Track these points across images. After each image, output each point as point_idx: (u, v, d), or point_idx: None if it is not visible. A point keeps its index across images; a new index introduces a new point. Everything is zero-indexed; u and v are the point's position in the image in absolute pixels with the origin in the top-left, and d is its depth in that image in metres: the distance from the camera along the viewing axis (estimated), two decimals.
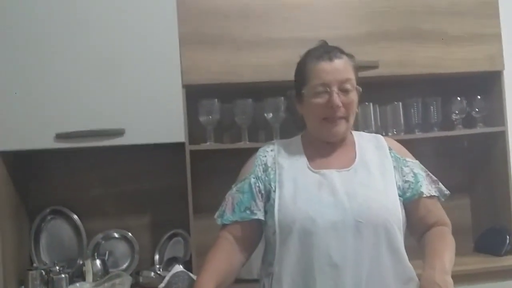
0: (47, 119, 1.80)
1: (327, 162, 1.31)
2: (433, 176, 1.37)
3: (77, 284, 0.87)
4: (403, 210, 1.28)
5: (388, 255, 1.21)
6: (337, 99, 1.25)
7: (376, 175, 1.28)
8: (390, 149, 1.35)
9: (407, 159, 1.34)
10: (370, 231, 1.19)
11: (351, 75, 1.29)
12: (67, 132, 1.80)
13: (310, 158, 1.32)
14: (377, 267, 1.20)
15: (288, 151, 1.36)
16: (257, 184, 1.31)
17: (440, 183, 1.37)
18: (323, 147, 1.34)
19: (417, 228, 1.33)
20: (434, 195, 1.33)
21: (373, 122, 2.07)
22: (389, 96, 2.14)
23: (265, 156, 1.36)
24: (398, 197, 1.27)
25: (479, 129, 2.11)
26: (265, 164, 1.33)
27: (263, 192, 1.30)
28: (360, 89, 1.35)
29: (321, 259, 1.19)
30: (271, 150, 1.37)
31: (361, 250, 1.19)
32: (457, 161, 2.32)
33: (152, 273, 1.83)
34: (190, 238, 1.89)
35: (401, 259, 1.24)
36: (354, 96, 1.29)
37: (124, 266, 1.98)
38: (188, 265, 1.85)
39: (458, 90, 2.16)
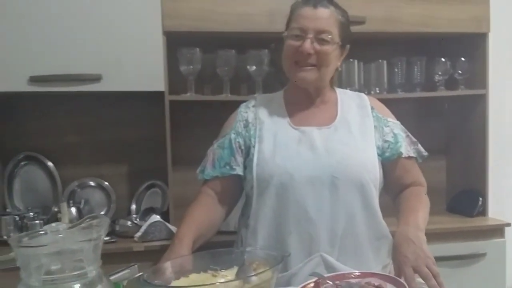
0: (21, 60, 1.73)
1: (308, 119, 1.31)
2: (413, 137, 1.38)
3: (53, 224, 0.85)
4: (381, 169, 1.29)
5: (363, 211, 1.23)
6: (309, 45, 1.22)
7: (356, 133, 1.28)
8: (372, 108, 1.34)
9: (389, 119, 1.35)
10: (346, 187, 1.21)
11: (333, 28, 1.25)
12: (41, 75, 1.73)
13: (291, 115, 1.32)
14: (352, 223, 1.22)
15: (269, 106, 1.35)
16: (237, 140, 1.31)
17: (419, 145, 1.38)
18: (305, 103, 1.33)
19: (393, 188, 1.35)
20: (412, 156, 1.35)
21: (356, 80, 2.05)
22: (374, 54, 2.12)
23: (246, 112, 1.35)
24: (376, 156, 1.28)
25: (461, 91, 2.12)
26: (246, 120, 1.33)
27: (243, 147, 1.30)
28: (348, 47, 1.33)
29: (297, 213, 1.20)
30: (253, 106, 1.36)
31: (337, 205, 1.20)
32: (437, 122, 2.34)
33: (129, 222, 1.83)
34: (168, 189, 1.88)
35: (375, 216, 1.26)
36: (330, 49, 1.25)
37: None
38: (165, 216, 1.85)
39: (443, 51, 2.14)
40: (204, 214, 1.28)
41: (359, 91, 1.95)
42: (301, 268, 1.19)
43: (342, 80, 2.03)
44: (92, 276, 0.79)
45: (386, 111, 1.38)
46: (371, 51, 2.11)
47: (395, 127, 1.33)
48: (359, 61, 2.06)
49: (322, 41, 1.24)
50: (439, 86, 2.12)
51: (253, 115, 1.33)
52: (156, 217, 1.77)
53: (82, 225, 0.81)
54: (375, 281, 0.99)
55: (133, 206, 2.01)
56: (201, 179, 1.36)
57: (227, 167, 1.30)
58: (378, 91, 2.08)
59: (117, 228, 1.82)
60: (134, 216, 1.91)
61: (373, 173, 1.25)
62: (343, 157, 1.22)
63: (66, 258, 0.77)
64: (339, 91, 1.40)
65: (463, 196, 2.20)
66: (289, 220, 1.21)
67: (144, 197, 2.03)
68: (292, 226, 1.21)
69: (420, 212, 1.24)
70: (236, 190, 1.34)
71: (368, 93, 2.00)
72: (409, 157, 1.34)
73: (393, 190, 1.36)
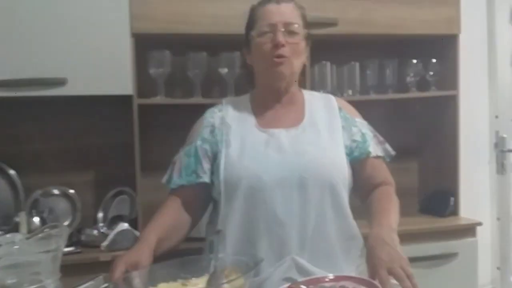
0: None
1: (276, 121, 1.30)
2: (380, 137, 1.38)
3: (8, 235, 0.80)
4: (350, 169, 1.28)
5: (333, 212, 1.22)
6: (281, 37, 1.24)
7: (324, 134, 1.28)
8: (340, 109, 1.35)
9: (356, 119, 1.35)
10: (315, 188, 1.20)
11: (298, 20, 1.29)
12: (2, 79, 1.66)
13: (259, 117, 1.31)
14: (322, 224, 1.21)
15: (236, 110, 1.33)
16: (203, 147, 1.29)
17: (386, 144, 1.38)
18: (272, 104, 1.32)
19: (363, 188, 1.34)
20: (380, 156, 1.35)
21: (329, 82, 2.05)
22: (347, 56, 2.12)
23: (213, 117, 1.34)
24: (345, 156, 1.27)
25: (432, 92, 2.14)
26: (212, 125, 1.31)
27: (209, 154, 1.29)
28: (309, 43, 1.34)
29: (266, 216, 1.18)
30: (219, 111, 1.35)
31: (306, 206, 1.19)
32: (409, 124, 2.36)
33: (95, 231, 1.77)
34: (137, 196, 1.83)
35: (345, 216, 1.25)
36: (300, 41, 1.28)
37: (65, 224, 1.89)
38: (133, 224, 1.80)
39: (415, 53, 2.16)
40: (170, 217, 1.25)
41: (332, 93, 1.95)
42: (273, 272, 1.17)
43: (315, 83, 2.02)
44: None
45: (354, 111, 1.39)
46: (343, 53, 2.12)
47: (363, 127, 1.34)
48: (332, 63, 2.06)
49: (291, 33, 1.25)
50: (411, 88, 2.14)
51: (220, 120, 1.32)
52: (124, 225, 1.72)
53: (40, 235, 0.77)
54: (349, 285, 0.97)
55: (100, 214, 1.95)
56: (168, 189, 1.32)
57: (194, 175, 1.28)
58: (351, 93, 2.07)
59: (83, 237, 1.76)
60: (101, 224, 1.85)
61: (342, 173, 1.25)
62: (311, 158, 1.22)
63: (22, 271, 0.73)
64: (306, 92, 1.40)
65: (435, 197, 2.22)
66: (259, 224, 1.19)
67: (112, 205, 1.96)
68: (261, 230, 1.18)
69: (392, 213, 1.23)
70: (204, 198, 1.32)
71: (341, 95, 2.01)
72: (378, 157, 1.34)
73: (363, 190, 1.35)
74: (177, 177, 1.29)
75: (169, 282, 0.99)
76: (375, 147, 1.33)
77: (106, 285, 0.92)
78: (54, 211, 1.88)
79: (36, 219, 1.70)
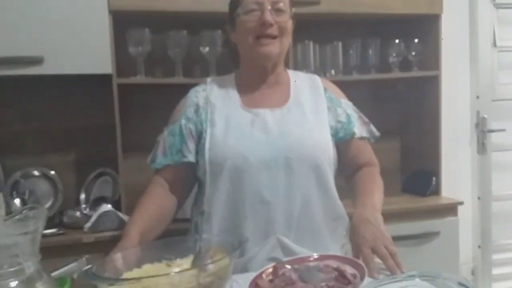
0: None
1: (261, 100, 1.29)
2: (365, 118, 1.39)
3: None
4: (335, 150, 1.29)
5: (319, 192, 1.23)
6: (269, 15, 1.22)
7: (309, 114, 1.27)
8: (325, 89, 1.34)
9: (341, 100, 1.35)
10: (301, 168, 1.20)
11: None
12: None
13: (244, 97, 1.29)
14: (308, 204, 1.21)
15: (221, 89, 1.32)
16: (188, 126, 1.27)
17: (371, 125, 1.39)
18: (258, 84, 1.31)
19: (347, 168, 1.35)
20: (365, 136, 1.35)
21: (312, 62, 2.03)
22: (329, 36, 2.10)
23: (197, 96, 1.32)
24: (330, 136, 1.27)
25: (414, 73, 2.14)
26: (197, 105, 1.30)
27: (193, 133, 1.27)
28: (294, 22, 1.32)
29: (252, 196, 1.18)
30: (203, 90, 1.33)
31: (292, 187, 1.19)
32: (392, 104, 2.36)
33: (78, 213, 1.75)
34: (119, 177, 1.81)
35: (331, 197, 1.26)
36: (287, 19, 1.26)
37: (47, 206, 1.87)
38: (116, 205, 1.78)
39: (397, 33, 2.15)
40: (154, 205, 1.23)
41: (315, 73, 1.93)
42: (258, 252, 1.17)
43: (297, 62, 2.01)
44: (30, 272, 0.73)
45: (339, 92, 1.38)
46: (326, 33, 2.10)
47: (347, 108, 1.34)
48: (315, 42, 2.04)
49: (278, 12, 1.23)
50: (393, 68, 2.13)
51: (204, 99, 1.30)
52: (107, 207, 1.70)
53: (17, 217, 0.74)
54: (334, 263, 0.97)
55: (82, 196, 1.92)
56: (153, 169, 1.31)
57: (179, 154, 1.26)
58: (333, 73, 2.06)
59: (65, 219, 1.73)
60: (84, 206, 1.83)
61: (327, 153, 1.25)
62: (297, 138, 1.21)
63: (0, 253, 0.71)
64: (291, 72, 1.39)
65: (417, 176, 2.24)
66: (244, 204, 1.18)
67: (94, 186, 1.94)
68: (247, 210, 1.18)
69: (376, 193, 1.25)
70: (189, 178, 1.31)
71: (324, 75, 2.00)
72: (362, 138, 1.35)
73: (347, 171, 1.36)
74: (162, 156, 1.28)
75: (154, 263, 0.98)
76: (360, 128, 1.33)
77: (89, 266, 0.91)
78: (34, 192, 1.85)
79: (17, 201, 1.67)
